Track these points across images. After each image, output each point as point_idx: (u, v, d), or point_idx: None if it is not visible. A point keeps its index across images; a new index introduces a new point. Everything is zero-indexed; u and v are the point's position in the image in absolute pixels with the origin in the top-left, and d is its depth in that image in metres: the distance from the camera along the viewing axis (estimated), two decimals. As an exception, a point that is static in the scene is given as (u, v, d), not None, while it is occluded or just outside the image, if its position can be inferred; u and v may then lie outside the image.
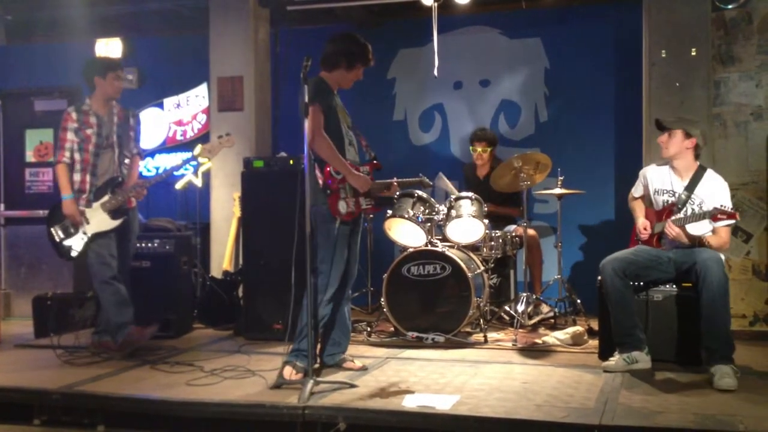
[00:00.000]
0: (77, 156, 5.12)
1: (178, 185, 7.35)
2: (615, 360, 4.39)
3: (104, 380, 4.47)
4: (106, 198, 5.10)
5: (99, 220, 5.08)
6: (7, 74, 7.94)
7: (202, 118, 7.56)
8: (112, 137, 5.21)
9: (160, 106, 7.74)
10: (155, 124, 7.76)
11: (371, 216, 4.85)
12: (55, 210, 5.17)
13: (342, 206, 4.35)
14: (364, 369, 4.50)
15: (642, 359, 4.37)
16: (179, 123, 7.74)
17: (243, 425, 3.88)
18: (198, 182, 7.33)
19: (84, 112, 5.18)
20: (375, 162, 4.54)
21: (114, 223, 5.10)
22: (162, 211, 7.20)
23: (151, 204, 7.37)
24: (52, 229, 5.18)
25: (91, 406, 4.14)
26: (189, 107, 7.69)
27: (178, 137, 7.76)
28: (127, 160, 5.28)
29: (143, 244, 5.86)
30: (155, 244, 5.89)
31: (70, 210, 5.05)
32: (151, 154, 7.76)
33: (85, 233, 5.07)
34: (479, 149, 6.35)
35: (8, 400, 4.31)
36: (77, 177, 5.12)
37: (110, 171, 5.19)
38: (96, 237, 5.05)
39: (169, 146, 7.79)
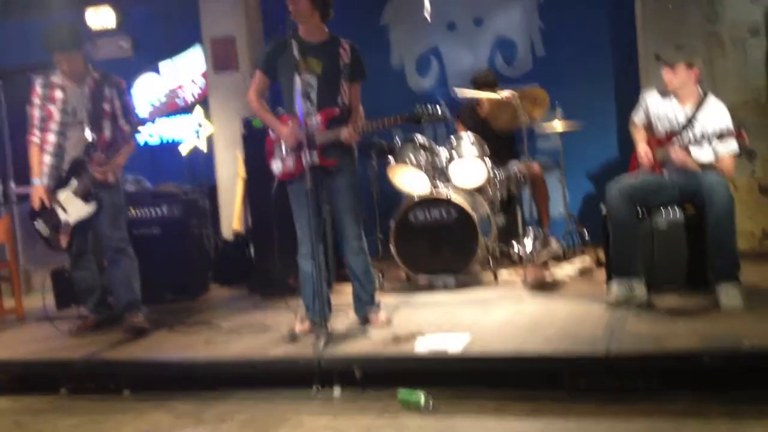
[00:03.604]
0: (46, 136, 4.79)
1: (183, 150, 7.40)
2: (615, 290, 4.42)
3: (125, 346, 4.58)
4: (74, 183, 4.76)
5: (75, 207, 4.78)
6: (4, 52, 7.96)
7: (201, 81, 7.57)
8: (81, 113, 4.79)
9: (157, 71, 7.74)
10: (153, 89, 7.77)
11: (332, 168, 4.38)
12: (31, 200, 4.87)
13: (275, 166, 4.35)
14: (387, 323, 4.42)
15: (638, 288, 4.39)
16: (179, 87, 7.75)
17: (262, 379, 3.99)
18: (202, 146, 7.38)
19: (51, 85, 4.80)
20: (331, 110, 4.27)
21: (90, 209, 4.76)
22: (170, 176, 7.26)
23: (156, 170, 7.45)
24: (35, 224, 4.87)
25: (114, 371, 4.27)
26: (185, 70, 7.68)
27: (178, 101, 7.77)
28: (107, 132, 4.83)
29: (152, 210, 5.94)
30: (164, 210, 5.96)
31: (36, 194, 4.76)
32: (152, 120, 7.76)
33: (67, 222, 4.79)
34: (483, 96, 6.28)
35: (35, 371, 4.46)
36: (45, 158, 4.80)
37: (80, 149, 4.79)
38: (77, 225, 4.80)
39: (170, 110, 7.79)
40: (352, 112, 4.40)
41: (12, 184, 8.10)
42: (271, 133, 4.41)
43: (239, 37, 6.84)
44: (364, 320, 4.47)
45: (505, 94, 5.63)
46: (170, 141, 7.62)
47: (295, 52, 4.09)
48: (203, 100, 7.39)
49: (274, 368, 3.97)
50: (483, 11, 7.16)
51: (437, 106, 4.38)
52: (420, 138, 5.68)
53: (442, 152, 5.69)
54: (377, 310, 4.48)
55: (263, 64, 4.41)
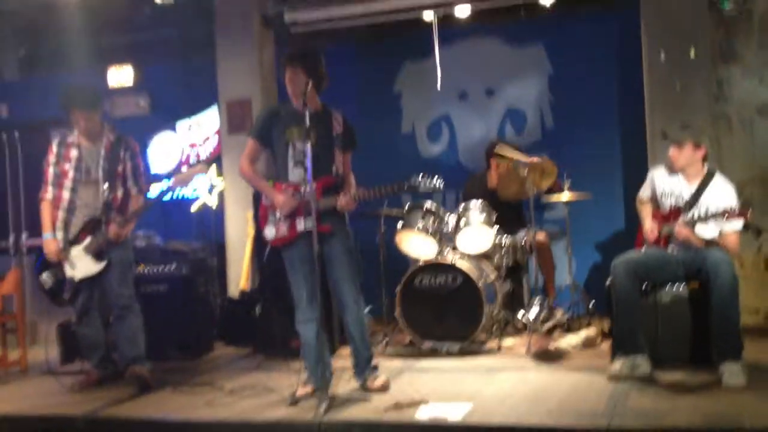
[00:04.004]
0: (55, 192, 4.94)
1: (193, 207, 7.50)
2: (619, 366, 4.42)
3: (126, 404, 4.59)
4: (88, 240, 4.89)
5: (84, 264, 4.89)
6: (23, 107, 8.15)
7: (215, 139, 7.70)
8: (96, 172, 4.93)
9: (173, 129, 7.89)
10: (169, 147, 7.92)
11: (328, 233, 4.30)
12: (42, 255, 5.00)
13: (268, 231, 4.41)
14: (384, 388, 4.40)
15: (642, 364, 4.39)
16: (192, 145, 7.89)
17: (262, 442, 4.00)
18: (213, 203, 7.48)
19: (67, 144, 4.97)
20: (327, 178, 4.35)
21: (99, 267, 4.88)
22: (179, 232, 7.34)
23: (167, 226, 7.54)
24: (41, 278, 5.00)
25: (114, 430, 4.28)
26: (201, 129, 7.84)
27: (192, 160, 7.91)
28: (119, 193, 4.98)
29: (160, 269, 6.00)
30: (172, 268, 6.02)
31: (49, 249, 4.89)
32: (167, 177, 7.90)
33: (72, 278, 4.90)
34: (504, 160, 6.32)
35: (36, 428, 4.46)
36: (54, 213, 4.93)
37: (92, 208, 4.94)
38: (83, 282, 4.91)
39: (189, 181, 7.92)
40: (345, 181, 4.49)
41: (24, 236, 8.20)
42: (264, 199, 4.47)
43: (254, 99, 6.98)
44: (364, 385, 4.47)
45: (533, 159, 5.70)
46: (181, 197, 7.71)
47: (299, 120, 4.19)
48: (216, 158, 7.50)
49: (275, 431, 3.96)
50: (494, 82, 7.30)
51: (434, 178, 4.45)
52: (428, 204, 5.75)
53: (450, 218, 5.75)
54: (375, 375, 4.49)
55: (256, 131, 4.49)
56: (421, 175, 4.42)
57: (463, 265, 5.43)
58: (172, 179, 5.09)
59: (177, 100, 7.87)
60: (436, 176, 4.48)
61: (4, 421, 4.52)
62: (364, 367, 4.48)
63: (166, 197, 7.64)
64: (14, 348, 6.18)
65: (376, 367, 4.54)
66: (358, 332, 4.44)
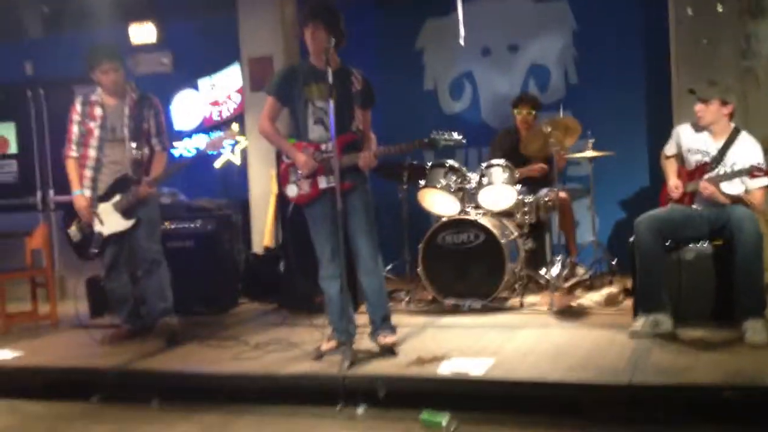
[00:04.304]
0: (86, 150, 4.98)
1: (217, 164, 7.55)
2: (641, 324, 4.43)
3: (156, 357, 4.69)
4: (117, 198, 4.95)
5: (113, 220, 4.95)
6: (48, 64, 8.19)
7: (237, 97, 7.71)
8: (122, 130, 4.97)
9: (195, 87, 7.91)
10: (192, 105, 7.94)
11: (349, 189, 4.26)
12: (70, 210, 5.09)
13: (290, 190, 4.42)
14: (391, 348, 4.34)
15: (665, 321, 4.40)
16: (215, 103, 7.91)
17: (288, 395, 4.07)
18: (236, 161, 7.52)
19: (91, 102, 5.00)
20: (347, 136, 4.32)
21: (128, 224, 4.95)
22: (203, 190, 7.41)
23: (192, 183, 7.60)
24: (69, 231, 5.07)
25: (144, 382, 4.38)
26: (223, 87, 7.84)
27: (215, 117, 7.94)
28: (145, 150, 5.04)
29: (186, 225, 6.09)
30: (197, 224, 6.10)
31: (79, 205, 4.95)
32: (189, 135, 7.95)
33: (101, 233, 4.97)
34: (524, 111, 6.33)
35: (67, 379, 4.57)
36: (82, 172, 4.98)
37: (120, 166, 4.99)
38: (111, 237, 4.99)
39: (207, 126, 7.97)
40: (365, 138, 4.48)
41: (51, 192, 8.32)
42: (284, 158, 4.48)
43: (276, 56, 6.97)
44: (375, 340, 4.43)
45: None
46: (205, 155, 7.75)
47: (319, 78, 4.19)
48: (239, 116, 7.52)
49: (299, 384, 4.05)
50: (518, 38, 7.23)
51: (454, 133, 4.45)
52: (450, 162, 5.75)
53: (473, 176, 5.76)
54: (388, 332, 4.42)
55: (274, 89, 4.46)
56: (440, 131, 4.42)
57: (486, 222, 5.44)
58: (205, 144, 5.12)
59: (199, 57, 7.86)
60: (456, 132, 4.47)
61: (36, 373, 4.65)
62: (378, 324, 4.44)
63: (188, 149, 7.77)
64: (44, 302, 6.32)
65: (391, 326, 4.46)
66: (374, 287, 4.41)
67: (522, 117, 6.35)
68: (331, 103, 4.10)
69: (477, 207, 5.75)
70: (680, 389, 3.49)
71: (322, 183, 4.34)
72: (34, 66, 8.40)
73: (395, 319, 5.04)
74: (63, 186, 7.74)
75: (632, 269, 4.75)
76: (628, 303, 5.13)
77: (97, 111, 5.00)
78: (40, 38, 8.43)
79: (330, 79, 4.10)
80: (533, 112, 6.34)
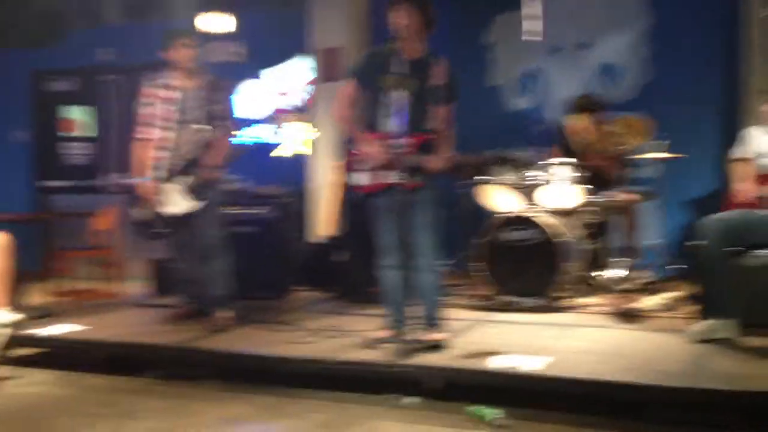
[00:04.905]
0: (155, 133, 5.05)
1: (284, 153, 7.64)
2: (703, 328, 4.31)
3: (215, 337, 4.77)
4: (183, 179, 5.00)
5: (179, 202, 5.01)
6: (126, 51, 8.42)
7: (306, 89, 7.78)
8: (191, 112, 5.02)
9: (263, 77, 8.01)
10: (259, 94, 8.05)
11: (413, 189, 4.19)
12: (134, 192, 5.14)
13: (357, 179, 4.33)
14: (436, 344, 4.27)
15: (729, 327, 4.27)
16: (282, 94, 8.00)
17: (341, 381, 4.10)
18: (303, 150, 7.60)
19: (161, 86, 5.07)
20: (422, 135, 4.21)
21: (192, 206, 5.00)
22: (268, 177, 7.50)
23: (258, 170, 7.71)
24: (134, 213, 5.13)
25: (203, 360, 4.47)
26: (291, 78, 7.93)
27: (283, 107, 8.02)
28: (215, 133, 5.06)
29: (250, 210, 6.20)
30: (261, 211, 6.21)
31: (144, 191, 5.03)
32: (254, 123, 8.05)
33: (166, 214, 5.03)
34: (573, 120, 6.25)
35: (130, 354, 4.71)
36: (154, 154, 5.05)
37: (188, 148, 5.03)
38: (174, 218, 5.05)
39: (275, 116, 8.05)
40: (443, 135, 4.30)
41: (123, 176, 8.56)
42: (354, 147, 4.38)
43: (347, 48, 7.01)
44: (422, 334, 4.36)
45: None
46: (271, 143, 7.86)
47: (398, 67, 4.06)
48: (305, 107, 7.60)
49: (352, 371, 4.07)
50: (589, 36, 7.13)
51: (523, 152, 4.35)
52: (513, 158, 5.70)
53: (535, 174, 5.69)
54: (436, 329, 4.36)
55: (356, 73, 4.34)
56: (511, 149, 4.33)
57: (546, 220, 5.38)
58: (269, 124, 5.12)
59: (270, 48, 7.95)
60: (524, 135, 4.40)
61: (99, 347, 4.78)
62: (428, 320, 4.38)
63: (256, 142, 7.87)
64: (111, 281, 6.51)
65: (440, 324, 4.39)
66: (430, 285, 4.34)
67: (583, 125, 6.18)
68: (405, 96, 4.03)
69: (538, 204, 5.69)
70: (742, 395, 3.40)
71: (389, 177, 4.22)
72: (113, 53, 8.63)
73: (449, 313, 5.05)
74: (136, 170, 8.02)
75: (696, 275, 4.63)
76: (691, 308, 5.01)
77: (170, 93, 5.06)
78: (120, 25, 8.67)
79: (407, 69, 4.01)
80: (585, 119, 6.18)
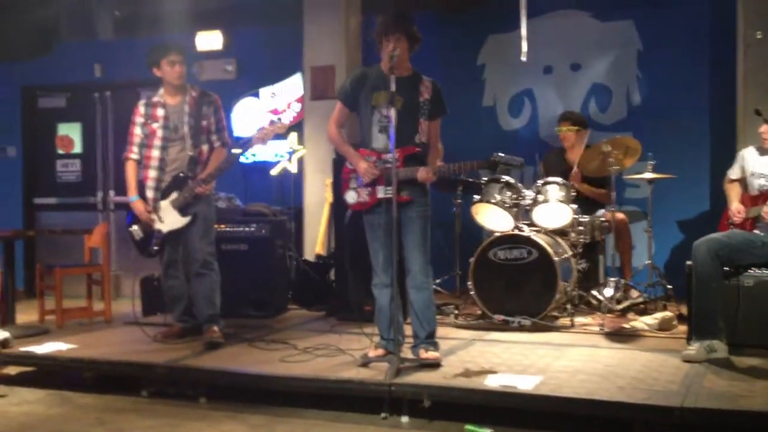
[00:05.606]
0: (145, 150, 5.07)
1: (274, 171, 7.64)
2: (695, 349, 4.31)
3: (206, 356, 4.74)
4: (174, 195, 5.00)
5: (171, 218, 5.01)
6: (116, 67, 8.42)
7: (297, 106, 7.80)
8: (182, 128, 5.03)
9: (256, 95, 8.02)
10: (252, 113, 8.06)
11: (406, 203, 4.23)
12: (128, 209, 5.17)
13: (349, 196, 4.40)
14: (433, 363, 4.24)
15: (720, 348, 4.29)
16: (275, 112, 8.00)
17: (333, 400, 4.09)
18: (293, 168, 7.60)
19: (153, 104, 5.07)
20: (410, 148, 4.28)
21: (185, 221, 4.99)
22: (259, 196, 7.49)
23: (248, 189, 7.71)
24: (131, 229, 5.15)
25: (193, 379, 4.43)
26: (284, 96, 7.94)
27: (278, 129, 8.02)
28: (204, 147, 5.07)
29: (241, 229, 6.17)
30: (252, 229, 6.17)
31: (137, 210, 5.05)
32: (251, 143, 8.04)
33: (160, 231, 5.03)
34: (564, 128, 6.36)
35: (119, 373, 4.66)
36: (143, 173, 5.07)
37: (179, 164, 5.04)
38: (165, 235, 5.04)
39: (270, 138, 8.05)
40: (431, 150, 4.41)
41: (112, 193, 8.55)
42: (347, 164, 4.46)
43: (338, 66, 7.04)
44: (416, 354, 4.35)
45: None
46: (262, 162, 7.86)
47: (392, 86, 4.09)
48: (297, 125, 7.61)
49: (345, 390, 4.05)
50: (581, 57, 7.19)
51: (515, 157, 4.39)
52: (506, 177, 5.72)
53: (528, 193, 5.71)
54: (431, 348, 4.35)
55: (344, 94, 4.46)
56: (500, 153, 4.36)
57: (540, 239, 5.39)
58: (253, 136, 5.06)
59: (263, 65, 7.97)
60: (517, 155, 4.43)
61: (88, 365, 4.74)
62: (422, 338, 4.37)
63: (247, 158, 7.85)
64: (99, 300, 6.46)
65: (434, 342, 4.40)
66: (423, 303, 4.35)
67: (562, 134, 6.38)
68: (393, 112, 4.10)
69: (531, 224, 5.71)
70: (733, 414, 3.40)
71: (381, 192, 4.29)
72: (103, 68, 8.63)
73: (443, 331, 5.05)
74: (124, 187, 7.99)
75: (688, 293, 4.64)
76: (683, 328, 5.03)
77: (160, 111, 5.06)
78: (110, 41, 8.66)
79: (393, 86, 4.08)
80: (574, 128, 6.31)
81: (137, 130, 5.11)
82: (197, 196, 4.99)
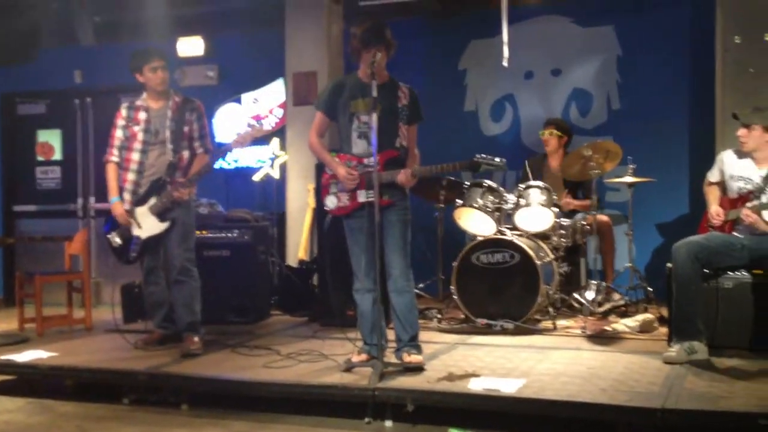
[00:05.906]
0: (123, 154, 5.05)
1: (256, 177, 7.62)
2: (675, 351, 4.34)
3: (187, 362, 4.71)
4: (153, 201, 4.96)
5: (149, 223, 4.97)
6: (96, 73, 8.36)
7: (279, 112, 7.79)
8: (164, 133, 5.01)
9: (238, 101, 8.01)
10: (234, 119, 8.04)
11: (391, 206, 4.26)
12: (111, 216, 5.11)
13: (329, 201, 4.44)
14: (415, 366, 4.24)
15: (700, 350, 4.32)
16: (257, 117, 7.98)
17: (316, 405, 4.08)
18: (275, 174, 7.59)
19: (136, 107, 5.06)
20: (390, 152, 4.31)
21: (164, 226, 4.96)
22: (241, 202, 7.48)
23: (230, 195, 7.69)
24: (108, 236, 5.08)
25: (174, 385, 4.40)
26: (266, 102, 7.93)
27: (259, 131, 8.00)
28: (185, 153, 5.03)
29: (223, 234, 6.14)
30: (234, 234, 6.15)
31: (116, 212, 5.01)
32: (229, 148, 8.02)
33: (139, 237, 4.99)
34: (546, 132, 6.41)
35: (100, 380, 4.63)
36: (122, 176, 5.05)
37: (157, 169, 5.01)
38: (149, 241, 5.01)
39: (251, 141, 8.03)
40: (409, 154, 4.46)
41: (92, 200, 8.49)
42: (327, 170, 4.49)
43: (320, 72, 7.05)
44: (399, 358, 4.36)
45: None
46: (244, 167, 7.84)
47: (374, 92, 4.11)
48: (279, 130, 7.60)
49: (328, 395, 4.03)
50: (561, 62, 7.24)
51: (496, 158, 4.42)
52: (488, 182, 5.75)
53: (510, 197, 5.74)
54: (413, 351, 4.35)
55: (323, 104, 4.49)
56: (482, 155, 4.39)
57: (522, 243, 5.41)
58: (232, 140, 5.05)
59: (245, 71, 7.95)
60: (498, 156, 4.45)
61: (69, 373, 4.71)
62: (405, 342, 4.38)
63: (227, 161, 7.84)
64: (79, 308, 6.41)
65: (417, 346, 4.40)
66: (404, 306, 4.36)
67: (544, 137, 6.45)
68: (374, 117, 4.11)
69: (513, 228, 5.73)
70: (714, 415, 3.43)
71: (362, 197, 4.33)
72: (84, 75, 8.57)
73: (426, 336, 5.06)
74: (104, 194, 7.94)
75: (668, 296, 4.68)
76: (663, 330, 5.06)
77: (141, 115, 5.05)
78: (90, 47, 8.62)
79: (374, 92, 4.11)
80: (555, 133, 6.36)
81: (118, 133, 5.09)
82: (175, 201, 4.96)
